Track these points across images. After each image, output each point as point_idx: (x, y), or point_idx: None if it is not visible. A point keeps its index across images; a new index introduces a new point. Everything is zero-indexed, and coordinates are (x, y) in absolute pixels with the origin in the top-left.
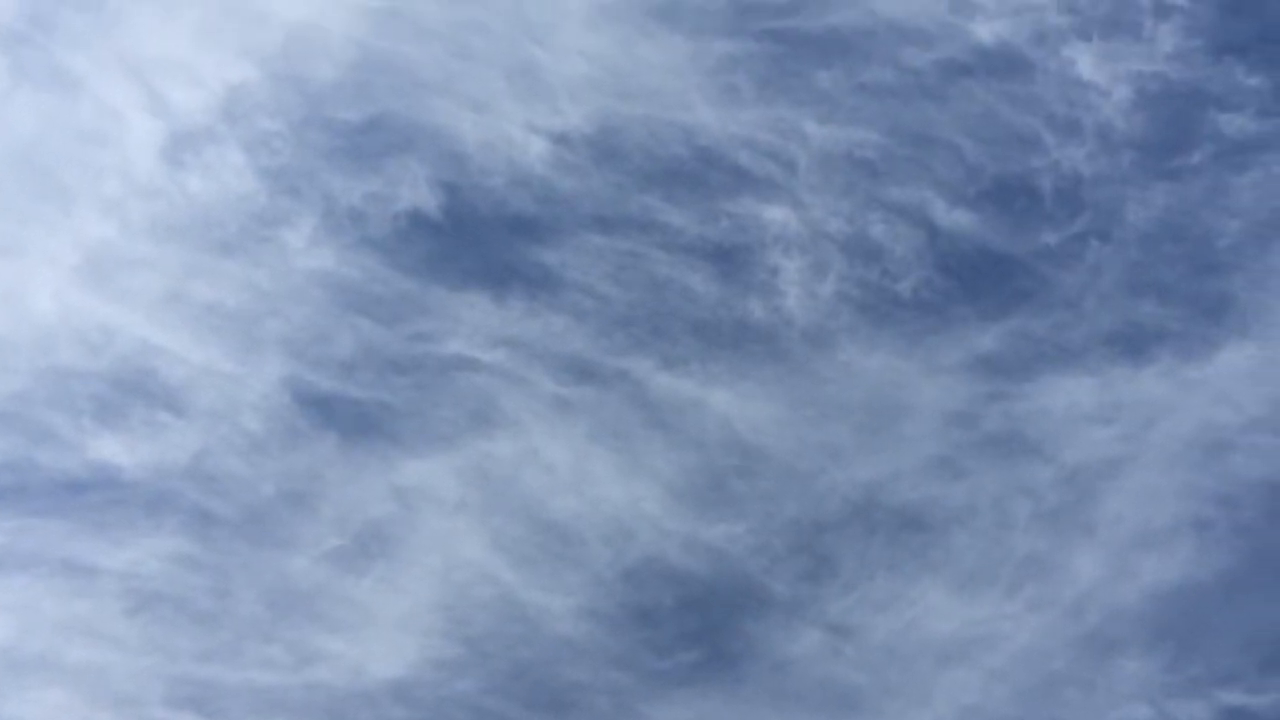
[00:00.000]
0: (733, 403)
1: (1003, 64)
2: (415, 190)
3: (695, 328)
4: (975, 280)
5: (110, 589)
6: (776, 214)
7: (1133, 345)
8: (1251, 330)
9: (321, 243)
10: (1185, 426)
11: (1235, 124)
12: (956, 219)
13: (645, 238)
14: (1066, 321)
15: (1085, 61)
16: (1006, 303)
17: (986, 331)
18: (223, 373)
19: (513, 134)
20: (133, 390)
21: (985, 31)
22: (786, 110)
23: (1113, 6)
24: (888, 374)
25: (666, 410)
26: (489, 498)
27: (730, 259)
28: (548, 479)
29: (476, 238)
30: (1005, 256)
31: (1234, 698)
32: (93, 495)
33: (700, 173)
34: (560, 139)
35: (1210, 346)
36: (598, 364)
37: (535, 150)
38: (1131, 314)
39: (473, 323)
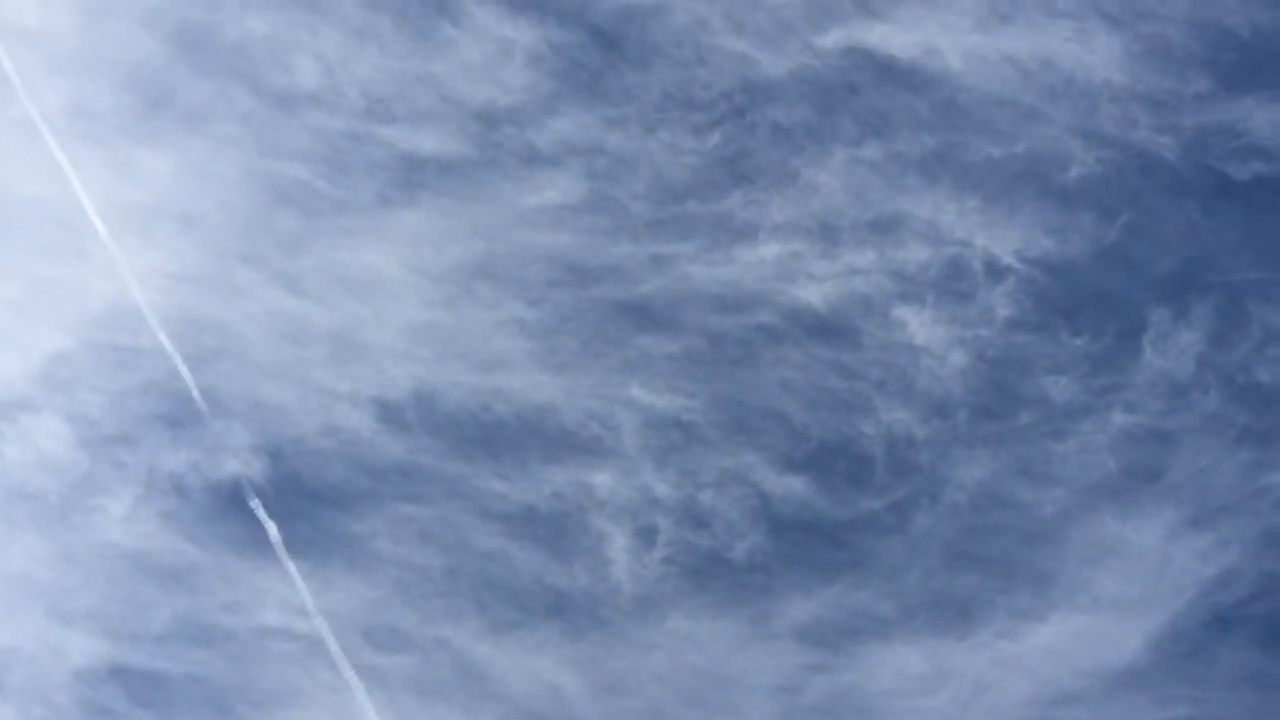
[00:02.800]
0: (555, 671)
1: (830, 328)
2: (236, 458)
3: (517, 596)
4: (803, 547)
5: None
6: (603, 479)
7: (957, 615)
8: (1076, 600)
9: (140, 512)
10: (1007, 699)
11: (1060, 386)
12: (785, 484)
13: (466, 505)
14: (891, 590)
15: (916, 325)
16: (833, 570)
17: (813, 598)
18: (32, 650)
19: (332, 401)
20: None
21: (812, 296)
22: (610, 375)
23: (944, 271)
24: (714, 642)
25: (487, 679)
26: None
27: (553, 525)
28: None
29: (295, 507)
30: (832, 523)
31: None
32: None
33: (523, 437)
34: (380, 404)
35: (1032, 619)
36: (415, 633)
37: (355, 417)
38: (956, 584)
39: (286, 594)
